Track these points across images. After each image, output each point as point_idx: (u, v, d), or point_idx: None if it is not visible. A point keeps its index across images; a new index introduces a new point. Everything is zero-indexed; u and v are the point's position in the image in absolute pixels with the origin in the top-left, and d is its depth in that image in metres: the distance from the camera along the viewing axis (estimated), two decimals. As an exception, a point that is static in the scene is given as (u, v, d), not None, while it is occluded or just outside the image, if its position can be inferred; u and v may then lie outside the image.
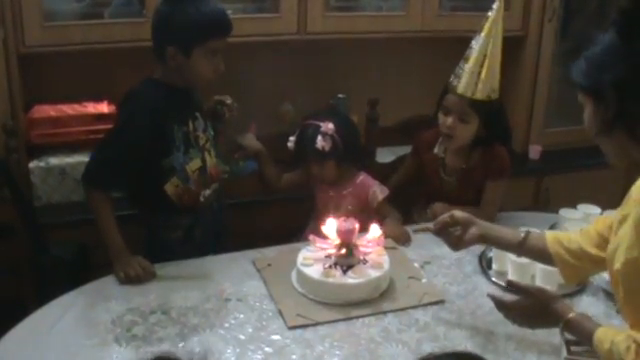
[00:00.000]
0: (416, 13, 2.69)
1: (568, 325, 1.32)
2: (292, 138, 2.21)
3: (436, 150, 2.23)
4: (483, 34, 2.04)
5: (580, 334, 1.29)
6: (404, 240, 2.05)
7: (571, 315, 1.31)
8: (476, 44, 2.05)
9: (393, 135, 2.62)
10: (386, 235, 1.92)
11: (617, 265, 1.15)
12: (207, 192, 2.00)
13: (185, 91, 1.93)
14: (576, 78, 1.26)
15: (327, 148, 2.10)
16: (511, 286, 1.54)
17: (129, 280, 1.76)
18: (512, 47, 2.86)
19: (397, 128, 2.63)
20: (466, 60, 2.06)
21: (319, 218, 2.08)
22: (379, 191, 2.19)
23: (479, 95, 2.05)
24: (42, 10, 2.22)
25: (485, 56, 2.03)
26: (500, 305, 1.50)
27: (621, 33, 1.16)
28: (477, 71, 2.04)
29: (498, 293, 1.62)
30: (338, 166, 2.17)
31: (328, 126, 2.11)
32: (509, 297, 1.52)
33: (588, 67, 1.23)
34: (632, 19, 1.15)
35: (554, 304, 1.37)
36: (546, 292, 1.42)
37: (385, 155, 2.64)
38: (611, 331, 1.21)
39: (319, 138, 2.10)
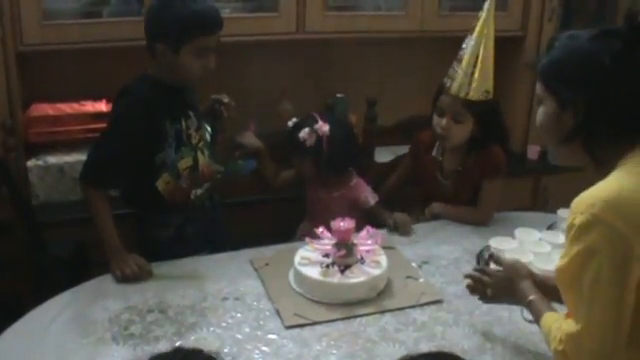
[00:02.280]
0: (415, 13, 2.69)
1: (529, 305, 1.39)
2: (295, 119, 2.21)
3: (434, 153, 2.23)
4: (475, 35, 2.04)
5: (534, 315, 1.37)
6: (409, 226, 2.09)
7: (531, 297, 1.39)
8: (468, 45, 2.04)
9: (392, 135, 2.62)
10: (394, 221, 2.06)
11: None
12: (199, 191, 2.00)
13: (178, 89, 1.92)
14: (548, 77, 1.25)
15: (308, 143, 2.10)
16: (492, 258, 1.59)
17: (125, 278, 1.76)
18: (511, 47, 2.86)
19: (396, 128, 2.63)
20: (459, 61, 2.06)
21: (311, 219, 2.08)
22: (370, 197, 2.21)
23: (473, 95, 2.05)
24: (41, 8, 2.21)
25: (478, 57, 2.03)
26: (480, 275, 1.54)
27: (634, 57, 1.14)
28: (470, 72, 2.04)
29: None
30: (316, 167, 2.16)
31: (323, 127, 2.10)
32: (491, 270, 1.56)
33: (570, 74, 1.20)
34: None
35: (520, 282, 1.43)
36: (514, 268, 1.47)
37: (384, 155, 2.64)
38: (554, 317, 1.28)
39: (306, 130, 2.10)
